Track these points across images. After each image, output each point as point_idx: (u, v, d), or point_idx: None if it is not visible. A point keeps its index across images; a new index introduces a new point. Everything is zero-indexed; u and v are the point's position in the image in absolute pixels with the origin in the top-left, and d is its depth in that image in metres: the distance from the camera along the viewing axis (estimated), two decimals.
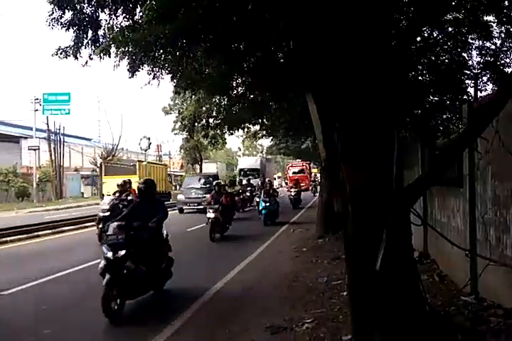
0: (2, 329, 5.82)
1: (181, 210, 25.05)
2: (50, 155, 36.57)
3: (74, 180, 41.49)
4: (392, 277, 3.83)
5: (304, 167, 47.11)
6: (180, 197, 25.36)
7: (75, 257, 10.83)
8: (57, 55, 6.16)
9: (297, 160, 44.21)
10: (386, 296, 3.85)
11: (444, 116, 9.85)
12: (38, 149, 34.50)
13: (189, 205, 24.62)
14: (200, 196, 23.42)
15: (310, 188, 39.63)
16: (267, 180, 23.44)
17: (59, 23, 5.93)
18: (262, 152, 59.36)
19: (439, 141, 8.27)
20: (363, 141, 4.00)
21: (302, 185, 35.29)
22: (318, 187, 25.92)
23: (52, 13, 5.83)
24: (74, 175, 42.18)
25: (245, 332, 5.42)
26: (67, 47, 6.18)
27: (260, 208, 18.19)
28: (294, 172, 45.70)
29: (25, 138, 37.32)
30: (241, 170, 39.96)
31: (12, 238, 14.47)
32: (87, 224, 18.02)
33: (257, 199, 20.72)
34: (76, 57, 6.21)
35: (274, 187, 23.10)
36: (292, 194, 25.75)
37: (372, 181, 3.96)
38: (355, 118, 4.04)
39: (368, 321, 4.05)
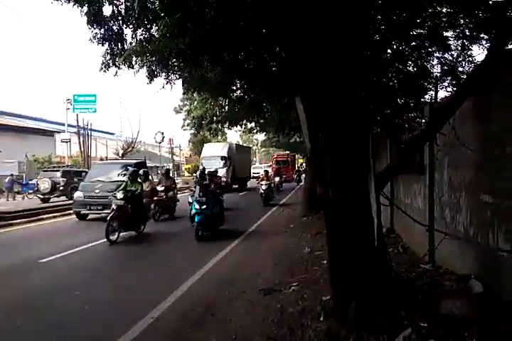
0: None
1: (81, 216, 14.10)
2: (80, 146, 36.30)
3: None
4: (365, 248, 3.85)
5: (289, 158, 40.44)
6: (78, 194, 14.18)
7: None
8: (102, 69, 6.34)
9: (286, 151, 40.40)
10: (360, 264, 3.87)
11: (409, 115, 9.85)
12: (70, 141, 34.26)
13: (90, 208, 13.67)
14: (107, 194, 12.33)
15: (294, 178, 35.14)
16: (206, 170, 15.22)
17: (96, 39, 6.00)
18: (257, 145, 58.98)
19: (405, 136, 8.26)
20: (341, 136, 3.99)
21: (284, 176, 30.78)
22: (304, 175, 23.67)
23: (91, 31, 5.90)
24: None
25: (242, 294, 5.44)
26: (108, 60, 6.28)
27: (192, 212, 9.91)
28: (277, 163, 38.20)
29: (59, 132, 37.04)
30: (204, 158, 27.06)
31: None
32: None
33: (190, 200, 11.72)
34: (116, 66, 6.30)
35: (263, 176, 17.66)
36: (263, 188, 17.89)
37: (348, 169, 3.96)
38: (335, 117, 4.02)
39: (344, 284, 4.09)
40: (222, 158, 26.42)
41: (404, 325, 3.60)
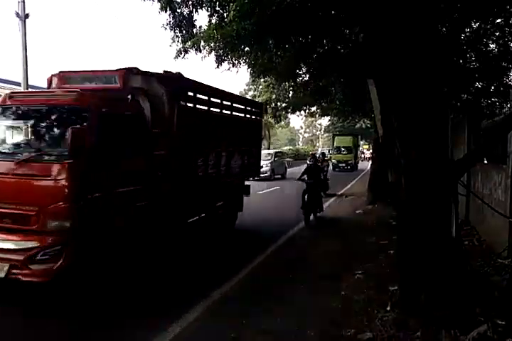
0: None
1: None
2: None
3: None
4: (438, 238, 3.68)
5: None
6: None
7: None
8: (176, 57, 6.77)
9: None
10: (431, 254, 3.72)
11: (489, 100, 9.20)
12: None
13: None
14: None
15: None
16: None
17: (168, 26, 6.24)
18: (320, 130, 57.91)
19: (484, 122, 7.71)
20: (417, 121, 3.80)
21: None
22: (367, 159, 20.97)
23: (166, 19, 6.16)
24: None
25: (306, 278, 5.45)
26: (181, 48, 6.53)
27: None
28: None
29: None
30: None
31: None
32: None
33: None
34: (187, 52, 6.57)
35: None
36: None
37: (423, 156, 3.78)
38: (411, 100, 3.83)
39: (413, 275, 3.95)
40: None
41: (479, 321, 3.42)
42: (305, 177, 9.60)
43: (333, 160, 31.53)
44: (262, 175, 17.50)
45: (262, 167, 18.25)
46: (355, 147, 33.44)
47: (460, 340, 3.28)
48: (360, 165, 35.95)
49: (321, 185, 10.41)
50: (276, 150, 26.02)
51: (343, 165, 31.33)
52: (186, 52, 6.51)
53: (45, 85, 5.84)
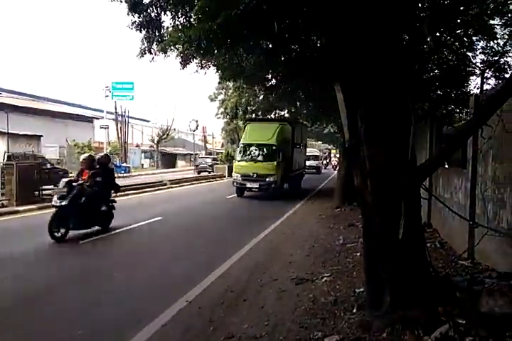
0: None
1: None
2: (117, 133, 37.32)
3: (135, 153, 42.24)
4: (403, 241, 3.74)
5: None
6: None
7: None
8: (139, 55, 6.55)
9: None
10: (396, 257, 3.77)
11: (450, 107, 9.50)
12: (108, 128, 35.15)
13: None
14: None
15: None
16: None
17: (134, 26, 6.09)
18: None
19: (446, 128, 7.98)
20: (383, 125, 3.87)
21: None
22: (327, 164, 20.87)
23: (130, 18, 6.00)
24: (135, 149, 42.93)
25: (274, 282, 5.44)
26: (145, 47, 6.37)
27: None
28: None
29: (97, 118, 38.04)
30: None
31: None
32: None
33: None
34: (151, 53, 6.40)
35: None
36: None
37: (389, 160, 3.85)
38: (377, 105, 3.89)
39: (378, 276, 4.00)
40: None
41: (441, 320, 3.49)
42: None
43: (234, 175, 16.30)
44: None
45: None
46: (286, 145, 16.50)
47: (423, 340, 3.33)
48: (321, 176, 32.14)
49: None
50: None
51: (254, 185, 15.67)
52: (151, 52, 6.38)
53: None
